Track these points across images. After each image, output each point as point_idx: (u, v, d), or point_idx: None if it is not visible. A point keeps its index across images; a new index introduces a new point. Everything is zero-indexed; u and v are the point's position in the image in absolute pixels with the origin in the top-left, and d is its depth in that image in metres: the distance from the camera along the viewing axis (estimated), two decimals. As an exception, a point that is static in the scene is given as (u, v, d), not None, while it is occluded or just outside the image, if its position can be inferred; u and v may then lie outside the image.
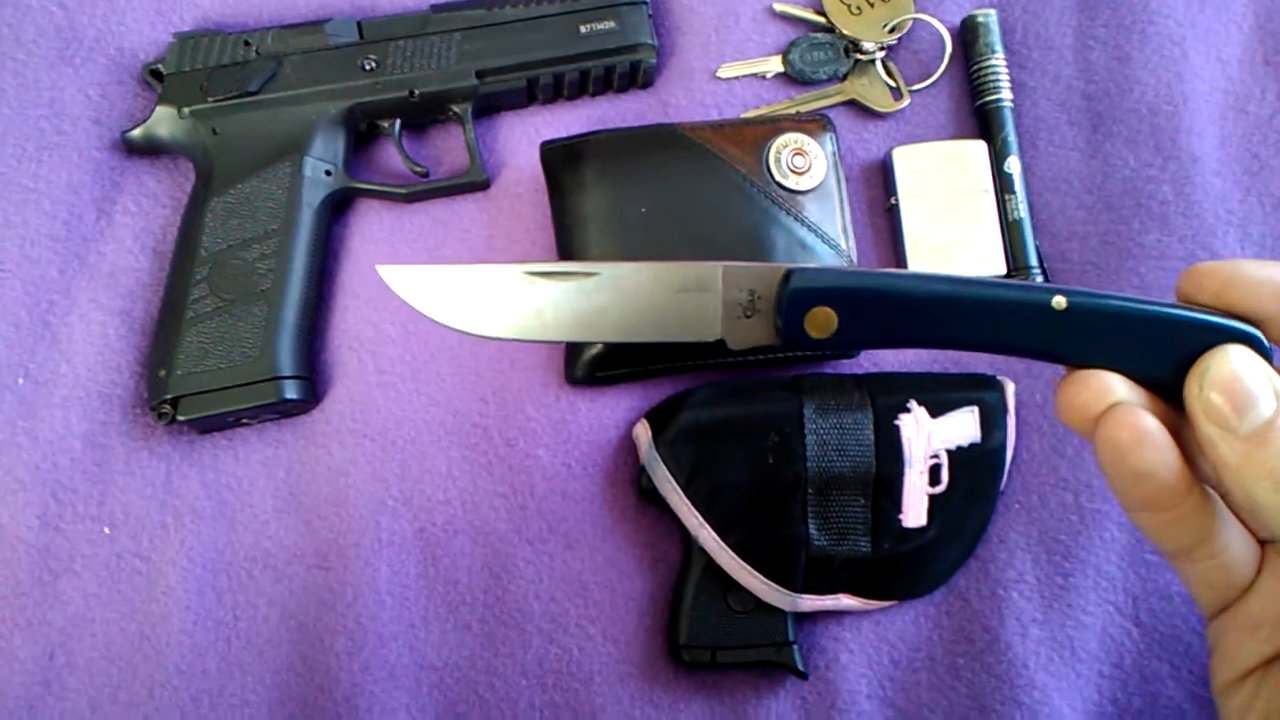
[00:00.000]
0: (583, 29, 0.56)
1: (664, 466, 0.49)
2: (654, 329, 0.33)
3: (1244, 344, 0.30)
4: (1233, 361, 0.29)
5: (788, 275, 0.32)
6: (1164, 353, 0.31)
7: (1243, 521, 0.32)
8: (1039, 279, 0.54)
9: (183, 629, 0.50)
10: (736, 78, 0.58)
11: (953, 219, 0.55)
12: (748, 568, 0.48)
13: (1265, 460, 0.28)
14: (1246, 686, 0.32)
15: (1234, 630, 0.32)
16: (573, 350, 0.53)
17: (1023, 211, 0.55)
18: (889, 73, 0.58)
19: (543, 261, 0.55)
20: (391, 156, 0.57)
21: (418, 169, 0.55)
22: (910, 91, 0.58)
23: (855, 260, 0.53)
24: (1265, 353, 0.30)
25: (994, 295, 0.32)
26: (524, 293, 0.33)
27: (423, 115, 0.56)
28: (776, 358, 0.53)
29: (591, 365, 0.52)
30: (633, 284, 0.33)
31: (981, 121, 0.57)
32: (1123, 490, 0.30)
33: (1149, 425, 0.29)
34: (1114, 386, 0.30)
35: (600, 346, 0.52)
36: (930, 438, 0.49)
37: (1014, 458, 0.52)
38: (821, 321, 0.32)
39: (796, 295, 0.32)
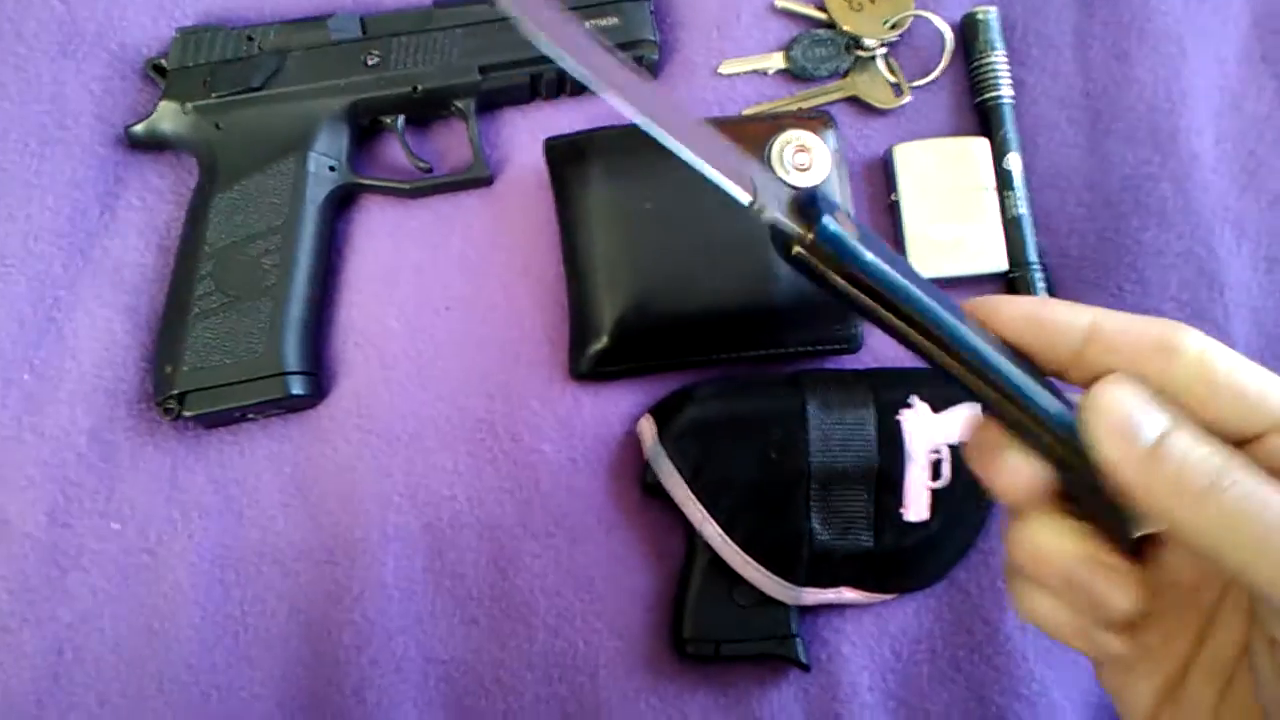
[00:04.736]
0: (586, 25, 0.56)
1: (669, 461, 0.50)
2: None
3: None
4: (1116, 385, 0.28)
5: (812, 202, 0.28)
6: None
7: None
8: (1039, 275, 0.55)
9: (190, 624, 0.50)
10: (738, 74, 0.58)
11: (953, 215, 0.55)
12: (752, 562, 0.49)
13: (1166, 475, 0.27)
14: None
15: (1123, 674, 0.31)
16: (577, 345, 0.53)
17: (1023, 208, 0.55)
18: (890, 69, 0.59)
19: (543, 263, 0.56)
20: (395, 152, 0.57)
21: (421, 164, 0.55)
22: (911, 88, 0.58)
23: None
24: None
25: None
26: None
27: (426, 111, 0.56)
28: (780, 353, 0.53)
29: (596, 360, 0.52)
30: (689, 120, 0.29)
31: (982, 118, 0.57)
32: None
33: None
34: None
35: (605, 341, 0.52)
36: (932, 433, 0.50)
37: (1014, 452, 0.53)
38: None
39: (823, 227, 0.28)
